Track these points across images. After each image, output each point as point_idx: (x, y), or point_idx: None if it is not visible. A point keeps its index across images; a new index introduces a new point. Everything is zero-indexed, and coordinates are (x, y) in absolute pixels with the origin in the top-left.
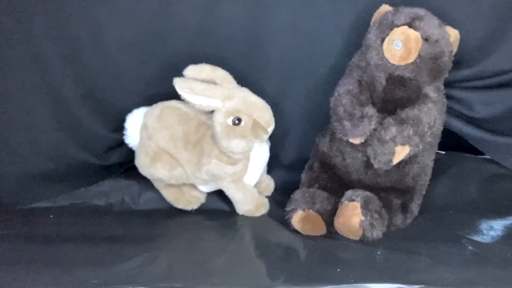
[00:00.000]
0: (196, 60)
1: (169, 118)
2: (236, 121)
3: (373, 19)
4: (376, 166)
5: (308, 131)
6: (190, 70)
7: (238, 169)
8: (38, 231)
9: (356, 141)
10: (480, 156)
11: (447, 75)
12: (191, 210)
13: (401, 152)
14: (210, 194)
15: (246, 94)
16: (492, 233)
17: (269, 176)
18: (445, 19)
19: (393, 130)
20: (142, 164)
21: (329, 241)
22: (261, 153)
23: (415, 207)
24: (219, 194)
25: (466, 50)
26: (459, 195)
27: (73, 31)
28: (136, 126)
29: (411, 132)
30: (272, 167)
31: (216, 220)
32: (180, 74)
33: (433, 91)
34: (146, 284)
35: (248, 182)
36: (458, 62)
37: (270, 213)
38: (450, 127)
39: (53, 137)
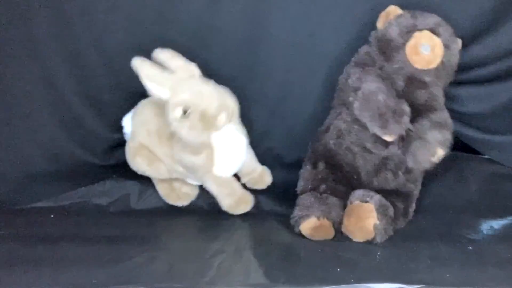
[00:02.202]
0: (196, 60)
1: (145, 113)
2: (184, 112)
3: (382, 18)
4: (411, 165)
5: (310, 130)
6: (158, 53)
7: (202, 159)
8: (38, 231)
9: (391, 138)
10: (480, 156)
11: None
12: (182, 206)
13: (440, 154)
14: (209, 195)
15: (194, 83)
16: (492, 233)
17: (263, 167)
18: (436, 10)
19: (435, 132)
20: (127, 159)
21: (329, 241)
22: (229, 140)
23: (411, 211)
24: None
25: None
26: (459, 195)
27: (73, 30)
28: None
29: (448, 135)
30: (273, 166)
31: (216, 220)
32: None
33: (442, 97)
34: (146, 284)
35: (220, 173)
36: None
37: (270, 213)
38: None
39: (53, 136)
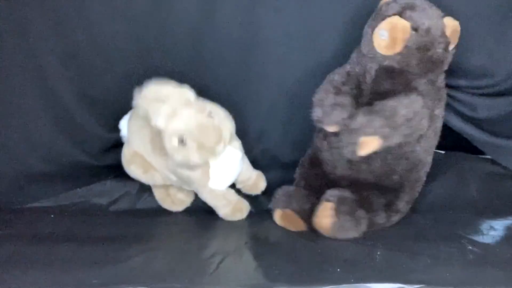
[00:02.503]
0: (194, 61)
1: (139, 123)
2: (181, 142)
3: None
4: (345, 155)
5: (305, 131)
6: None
7: (198, 174)
8: (38, 231)
9: (331, 129)
10: (480, 156)
11: (445, 68)
12: (176, 212)
13: (368, 143)
14: None
15: (189, 115)
16: (492, 233)
17: (258, 173)
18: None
19: (360, 120)
20: (123, 165)
21: (329, 241)
22: (224, 157)
23: (402, 205)
24: None
25: (471, 62)
26: (459, 195)
27: (70, 31)
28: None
29: (380, 124)
30: (270, 166)
31: (216, 220)
32: (175, 75)
33: (424, 84)
34: (146, 284)
35: (215, 186)
36: (462, 72)
37: (270, 212)
38: (454, 126)
39: (50, 138)
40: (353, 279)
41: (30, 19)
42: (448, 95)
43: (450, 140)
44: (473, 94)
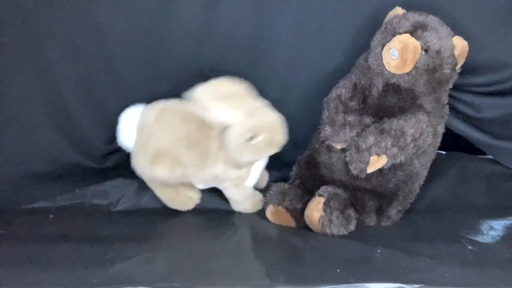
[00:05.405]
0: (198, 61)
1: (170, 119)
2: (249, 139)
3: (385, 20)
4: (352, 171)
5: (310, 130)
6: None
7: (243, 173)
8: (38, 231)
9: (338, 146)
10: (480, 156)
11: (450, 86)
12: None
13: (377, 162)
14: (209, 194)
15: (266, 111)
16: (492, 233)
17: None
18: (458, 29)
19: (371, 140)
20: (142, 165)
21: (329, 241)
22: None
23: (393, 212)
24: (219, 193)
25: (479, 59)
26: (459, 195)
27: (75, 33)
28: (131, 125)
29: (389, 144)
30: (273, 166)
31: (216, 220)
32: (180, 75)
33: (429, 102)
34: (146, 284)
35: (248, 184)
36: (470, 69)
37: None
38: (456, 129)
39: (51, 140)
40: (353, 279)
41: (35, 20)
42: (452, 97)
43: (451, 140)
44: (479, 93)
